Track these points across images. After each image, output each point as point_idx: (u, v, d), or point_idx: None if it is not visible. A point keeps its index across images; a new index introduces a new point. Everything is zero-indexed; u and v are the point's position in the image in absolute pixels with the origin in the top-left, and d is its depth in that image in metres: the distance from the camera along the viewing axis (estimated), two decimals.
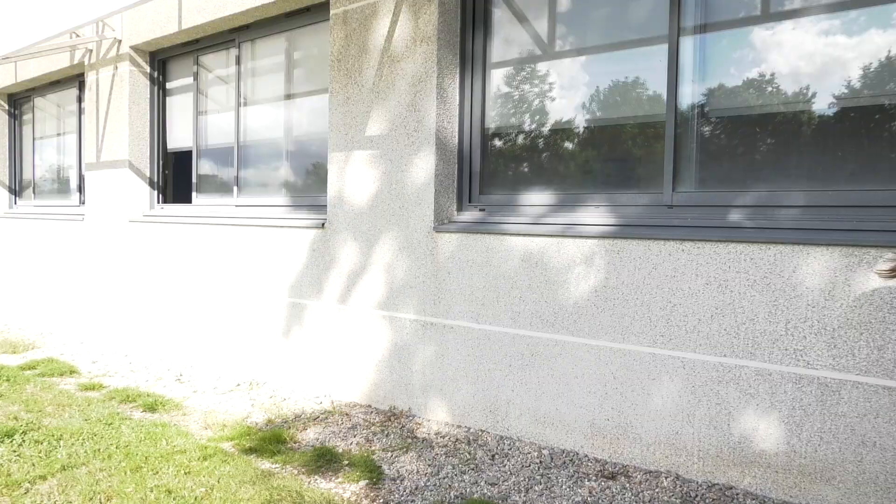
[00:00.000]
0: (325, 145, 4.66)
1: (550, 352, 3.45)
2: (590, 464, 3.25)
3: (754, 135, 3.07)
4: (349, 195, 4.28)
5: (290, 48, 5.03)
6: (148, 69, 6.09)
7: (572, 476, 3.12)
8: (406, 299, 4.01)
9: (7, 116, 8.33)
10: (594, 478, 3.09)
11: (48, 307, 7.19)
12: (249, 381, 4.81)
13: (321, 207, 4.69)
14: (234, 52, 5.39)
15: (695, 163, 3.22)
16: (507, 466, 3.24)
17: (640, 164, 3.41)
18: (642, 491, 2.94)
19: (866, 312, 2.60)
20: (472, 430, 3.71)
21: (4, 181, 8.38)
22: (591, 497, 2.91)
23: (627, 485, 3.01)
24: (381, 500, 2.91)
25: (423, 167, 3.88)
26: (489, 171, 3.97)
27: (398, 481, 3.09)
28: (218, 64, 5.64)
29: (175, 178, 6.38)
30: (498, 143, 3.95)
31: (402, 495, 2.95)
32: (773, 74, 3.02)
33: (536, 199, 3.73)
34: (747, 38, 3.08)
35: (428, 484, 3.06)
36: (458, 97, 3.95)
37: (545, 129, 3.76)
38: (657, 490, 2.94)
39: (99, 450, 3.37)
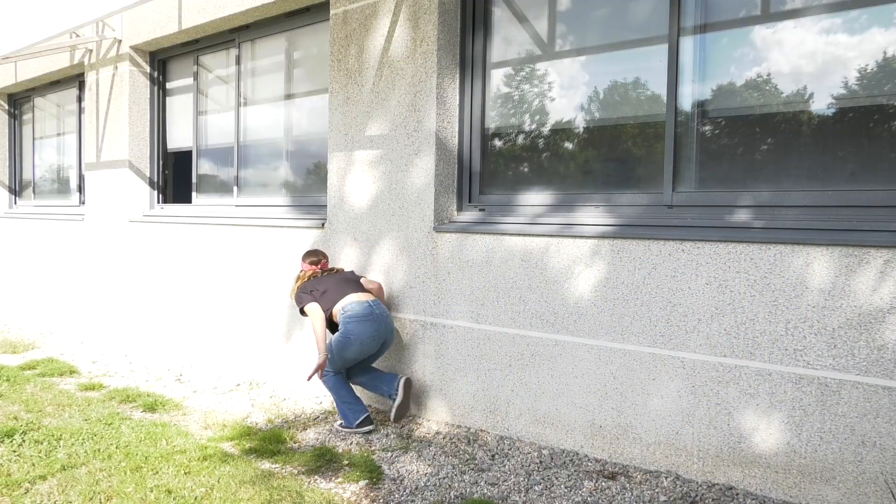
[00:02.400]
0: (325, 145, 4.66)
1: (550, 352, 3.45)
2: (590, 464, 3.25)
3: (754, 135, 3.08)
4: (349, 195, 4.28)
5: (290, 48, 5.03)
6: (148, 69, 6.09)
7: (572, 476, 3.12)
8: (406, 299, 4.01)
9: (7, 116, 8.33)
10: (594, 478, 3.09)
11: (48, 307, 7.19)
12: (249, 381, 4.81)
13: (321, 207, 4.69)
14: (234, 52, 5.39)
15: (695, 163, 3.22)
16: (507, 466, 3.24)
17: (639, 164, 3.41)
18: (642, 491, 2.94)
19: (866, 312, 2.60)
20: (472, 430, 3.71)
21: (4, 181, 8.38)
22: (590, 497, 2.91)
23: (627, 485, 3.01)
24: (381, 500, 2.91)
25: (423, 167, 3.88)
26: (489, 172, 3.97)
27: (398, 481, 3.09)
28: (218, 64, 5.64)
29: (175, 178, 6.38)
30: (498, 143, 3.95)
31: (402, 495, 2.95)
32: (773, 74, 3.02)
33: (536, 199, 3.73)
34: (747, 37, 3.08)
35: (428, 484, 3.06)
36: (457, 97, 3.95)
37: (545, 130, 3.76)
38: (657, 490, 2.94)
39: (99, 450, 3.37)
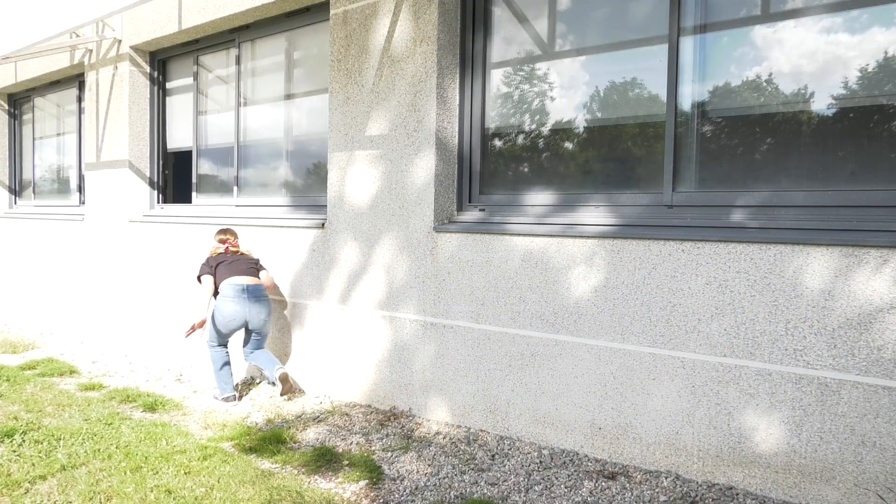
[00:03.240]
0: (325, 145, 4.66)
1: (550, 352, 3.45)
2: (590, 464, 3.25)
3: (754, 135, 3.08)
4: (349, 195, 4.28)
5: (290, 48, 5.03)
6: (148, 69, 6.09)
7: (572, 476, 3.12)
8: (406, 299, 4.01)
9: (7, 116, 8.33)
10: (594, 478, 3.09)
11: (48, 307, 7.19)
12: (249, 381, 4.81)
13: (321, 207, 4.69)
14: (234, 52, 5.39)
15: (695, 163, 3.22)
16: (507, 466, 3.24)
17: (640, 164, 3.41)
18: (642, 491, 2.94)
19: (866, 312, 2.60)
20: (472, 430, 3.72)
21: (4, 181, 8.38)
22: (590, 497, 2.91)
23: (627, 485, 3.01)
24: (381, 500, 2.91)
25: (423, 167, 3.88)
26: (489, 172, 3.97)
27: (398, 481, 3.09)
28: (218, 64, 5.64)
29: (175, 178, 6.38)
30: (498, 143, 3.95)
31: (402, 495, 2.95)
32: (773, 74, 3.02)
33: (537, 199, 3.73)
34: (747, 37, 3.08)
35: (428, 484, 3.06)
36: (458, 97, 3.95)
37: (545, 129, 3.76)
38: (657, 490, 2.94)
39: (99, 450, 3.37)
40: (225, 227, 4.91)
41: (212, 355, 4.41)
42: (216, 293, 4.42)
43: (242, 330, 4.47)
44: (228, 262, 4.46)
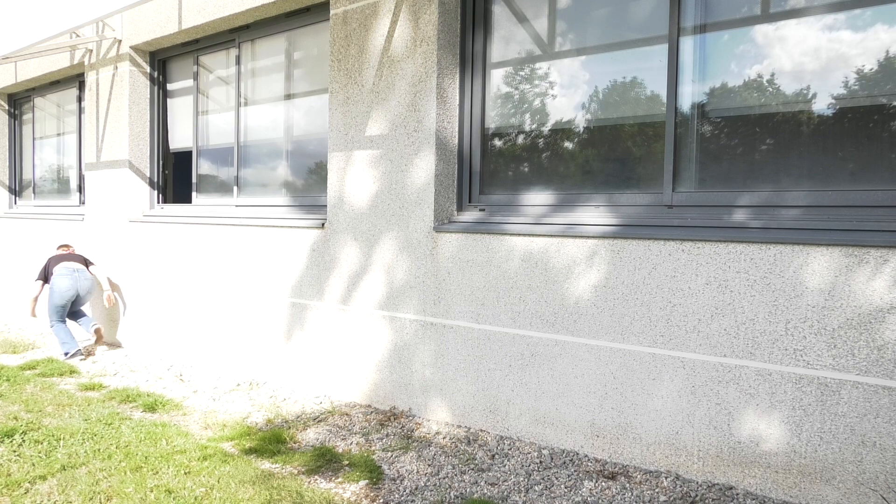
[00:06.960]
0: (325, 145, 4.66)
1: (550, 352, 3.45)
2: (590, 464, 3.25)
3: (754, 135, 3.07)
4: (349, 195, 4.28)
5: (290, 48, 5.03)
6: (148, 69, 6.09)
7: (572, 476, 3.12)
8: (406, 299, 4.01)
9: (7, 116, 8.33)
10: (594, 478, 3.09)
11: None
12: (249, 381, 4.81)
13: (321, 207, 4.69)
14: (234, 52, 5.39)
15: (695, 163, 3.22)
16: (507, 466, 3.24)
17: (639, 164, 3.41)
18: (642, 491, 2.94)
19: (866, 312, 2.60)
20: (472, 430, 3.71)
21: (4, 181, 8.38)
22: (590, 497, 2.91)
23: (627, 485, 3.01)
24: (381, 500, 2.91)
25: (423, 167, 3.88)
26: (489, 172, 3.97)
27: (398, 481, 3.09)
28: (218, 64, 5.64)
29: (175, 178, 6.38)
30: (498, 143, 3.95)
31: (402, 495, 2.95)
32: (773, 74, 3.02)
33: (537, 199, 3.73)
34: (747, 37, 3.08)
35: (428, 484, 3.06)
36: (458, 97, 3.95)
37: (545, 129, 3.76)
38: (657, 490, 2.94)
39: (99, 450, 3.37)
40: (63, 243, 6.49)
41: (55, 330, 5.63)
42: (47, 280, 5.81)
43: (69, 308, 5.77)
44: (62, 254, 5.90)
